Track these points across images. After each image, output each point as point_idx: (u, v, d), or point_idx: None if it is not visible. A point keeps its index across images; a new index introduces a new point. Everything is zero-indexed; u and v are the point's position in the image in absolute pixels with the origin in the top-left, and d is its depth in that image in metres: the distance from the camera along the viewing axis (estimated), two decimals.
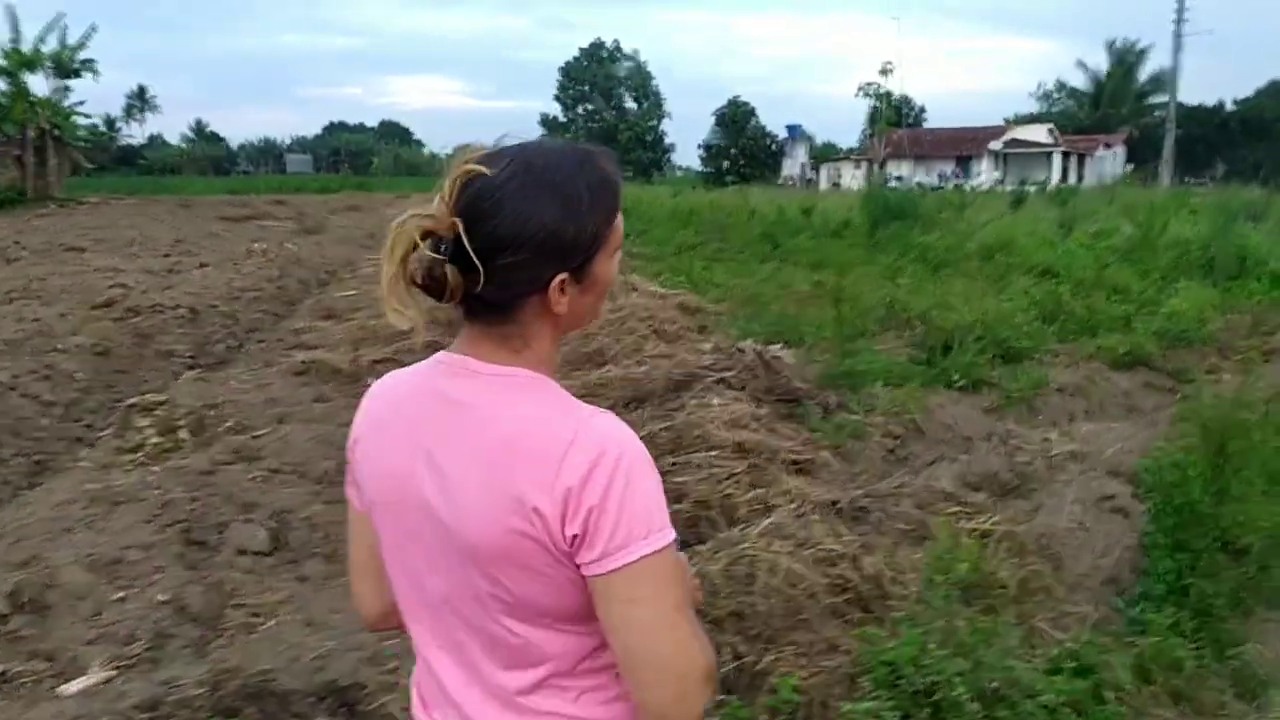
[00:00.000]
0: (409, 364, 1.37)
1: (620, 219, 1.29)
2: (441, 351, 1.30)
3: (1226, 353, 9.05)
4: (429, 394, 1.28)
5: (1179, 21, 46.18)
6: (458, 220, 1.17)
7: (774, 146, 69.29)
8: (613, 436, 1.19)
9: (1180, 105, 71.44)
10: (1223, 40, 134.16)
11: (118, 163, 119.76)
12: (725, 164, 66.68)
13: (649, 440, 5.07)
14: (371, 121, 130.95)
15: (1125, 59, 72.12)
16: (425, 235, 1.19)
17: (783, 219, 20.16)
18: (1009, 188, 45.81)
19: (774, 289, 11.99)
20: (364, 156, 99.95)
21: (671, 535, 1.20)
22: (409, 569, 1.33)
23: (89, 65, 34.43)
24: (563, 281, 1.21)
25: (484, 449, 1.20)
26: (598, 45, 78.25)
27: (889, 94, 56.23)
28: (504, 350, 1.25)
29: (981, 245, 14.57)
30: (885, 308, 9.91)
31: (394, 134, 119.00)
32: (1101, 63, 73.45)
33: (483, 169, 1.19)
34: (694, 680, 1.20)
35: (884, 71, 57.25)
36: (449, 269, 1.19)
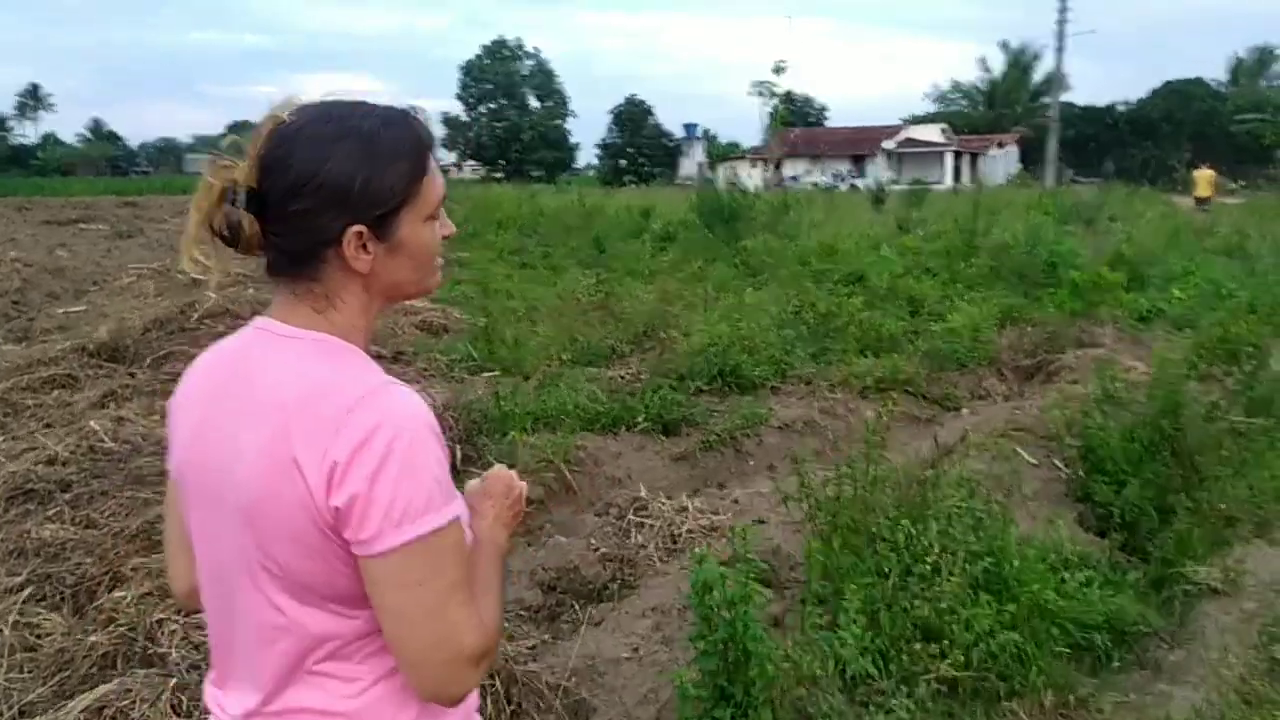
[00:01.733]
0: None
1: (435, 183, 1.26)
2: (256, 317, 1.28)
3: (1006, 373, 8.04)
4: (233, 358, 1.27)
5: (1061, 21, 46.13)
6: (253, 167, 1.18)
7: (671, 145, 68.30)
8: (394, 412, 1.16)
9: (1071, 106, 72.72)
10: (1115, 42, 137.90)
11: (8, 163, 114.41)
12: (623, 163, 65.50)
13: None
14: None
15: (1020, 60, 72.93)
16: (227, 185, 1.18)
17: (619, 221, 18.92)
18: (900, 187, 45.73)
19: (554, 301, 10.75)
20: None
21: (450, 514, 1.18)
22: (199, 541, 1.30)
23: None
24: (359, 235, 1.20)
25: (268, 410, 1.18)
26: (499, 43, 76.57)
27: (786, 93, 55.47)
28: (306, 310, 1.24)
29: (802, 250, 13.49)
30: (646, 326, 8.69)
31: None
32: (999, 64, 74.27)
33: (283, 116, 1.20)
34: (460, 664, 1.19)
35: (777, 70, 56.57)
36: (245, 217, 1.18)
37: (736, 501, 4.85)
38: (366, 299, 1.25)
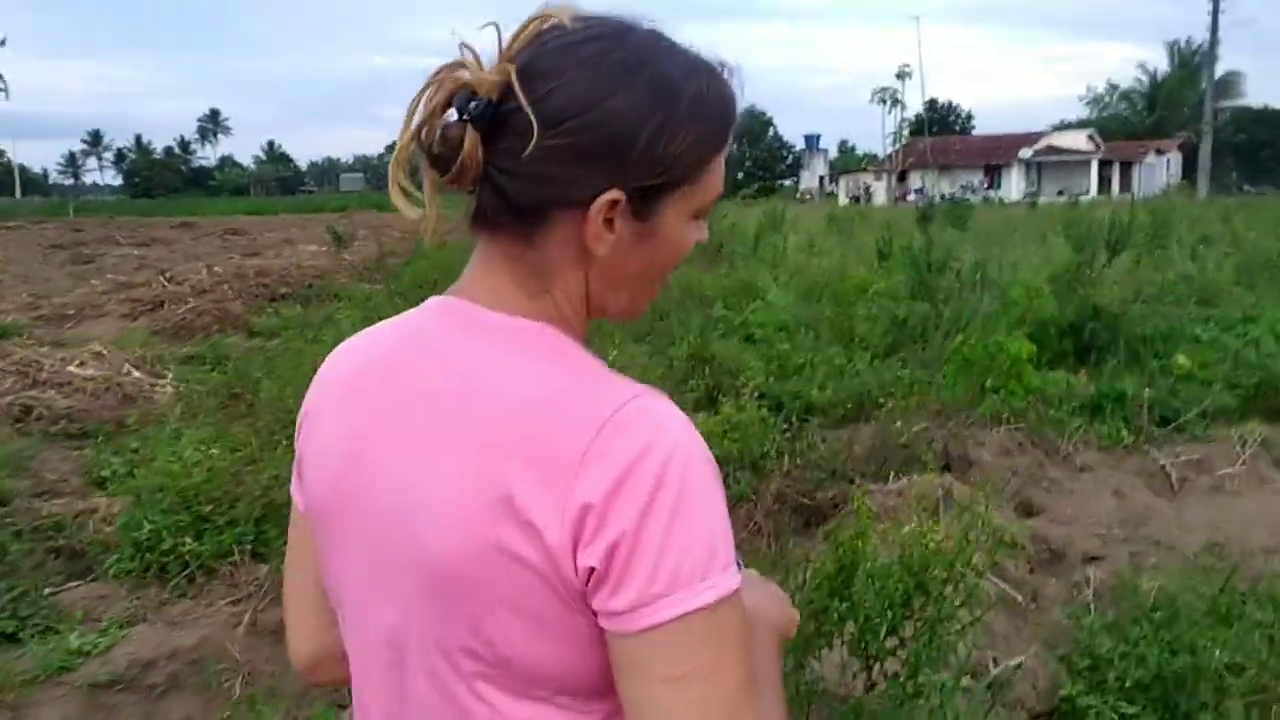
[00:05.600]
0: None
1: (720, 171, 0.91)
2: (434, 297, 0.93)
3: (770, 519, 4.91)
4: (408, 352, 0.91)
5: (1215, 11, 40.24)
6: (508, 67, 0.82)
7: (789, 158, 64.74)
8: (665, 433, 0.80)
9: (1247, 109, 65.07)
10: None
11: (189, 183, 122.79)
12: (740, 176, 62.40)
13: None
14: None
15: (1188, 60, 65.74)
16: (456, 90, 0.83)
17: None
18: (1044, 199, 40.98)
19: None
20: None
21: (736, 580, 0.80)
22: (355, 598, 0.93)
23: None
24: (614, 205, 0.84)
25: (472, 431, 0.82)
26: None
27: (930, 101, 51.25)
28: (515, 289, 0.88)
29: (727, 286, 10.41)
30: None
31: None
32: (1163, 65, 67.26)
33: (559, 17, 0.86)
34: None
35: (900, 75, 52.45)
36: (471, 136, 0.83)
37: None
38: (583, 294, 0.90)
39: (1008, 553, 3.95)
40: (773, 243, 14.22)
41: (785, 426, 5.84)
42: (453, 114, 0.85)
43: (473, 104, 0.82)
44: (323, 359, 0.99)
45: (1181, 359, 7.16)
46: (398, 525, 0.85)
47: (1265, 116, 63.61)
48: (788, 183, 64.15)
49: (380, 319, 1.01)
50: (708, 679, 0.78)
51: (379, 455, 0.87)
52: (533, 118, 0.80)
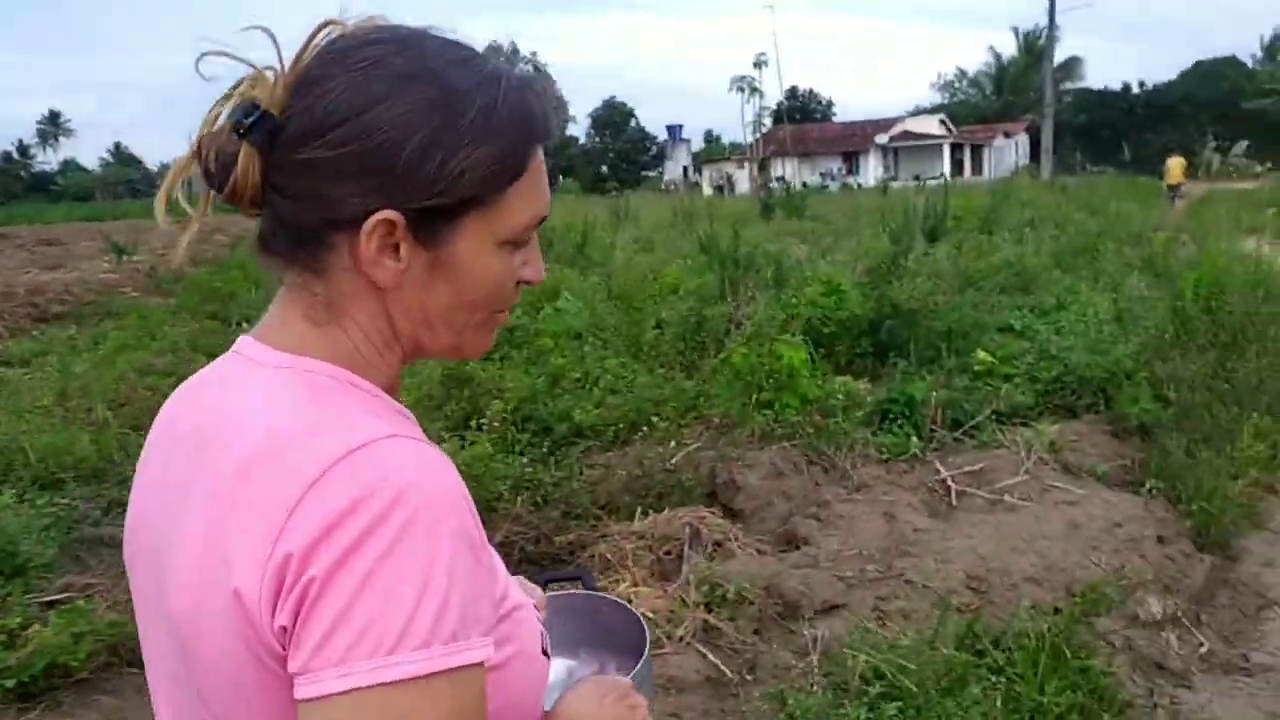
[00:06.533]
0: None
1: (532, 195, 0.83)
2: (242, 336, 0.89)
3: None
4: (207, 393, 0.87)
5: None
6: (287, 85, 0.78)
7: (653, 149, 64.47)
8: (399, 475, 0.72)
9: (1088, 90, 67.74)
10: (1146, 21, 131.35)
11: (30, 190, 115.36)
12: (604, 169, 61.78)
13: None
14: None
15: (1033, 46, 68.01)
16: (245, 103, 0.79)
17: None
18: (901, 184, 41.50)
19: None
20: None
21: (454, 658, 0.69)
22: (144, 638, 0.89)
23: None
24: (389, 226, 0.78)
25: (209, 484, 0.77)
26: (494, 49, 73.26)
27: (759, 89, 51.20)
28: (302, 322, 0.83)
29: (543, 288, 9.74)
30: None
31: None
32: (1011, 51, 69.44)
33: (343, 24, 0.82)
34: None
35: (758, 64, 52.43)
36: (247, 152, 0.78)
37: None
38: (388, 332, 0.84)
39: (733, 611, 3.42)
40: (603, 241, 13.62)
41: (543, 454, 5.25)
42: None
43: (246, 121, 0.77)
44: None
45: (982, 354, 6.85)
46: (156, 583, 0.81)
47: (1106, 98, 66.22)
48: (653, 174, 63.75)
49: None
50: None
51: (150, 509, 0.84)
52: (297, 129, 0.76)
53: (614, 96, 66.76)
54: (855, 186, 46.94)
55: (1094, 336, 6.89)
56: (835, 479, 5.05)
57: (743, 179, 57.30)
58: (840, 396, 5.31)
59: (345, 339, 0.82)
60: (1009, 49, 72.65)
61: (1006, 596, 3.73)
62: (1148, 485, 5.10)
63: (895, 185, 40.72)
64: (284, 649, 0.70)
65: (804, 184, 53.94)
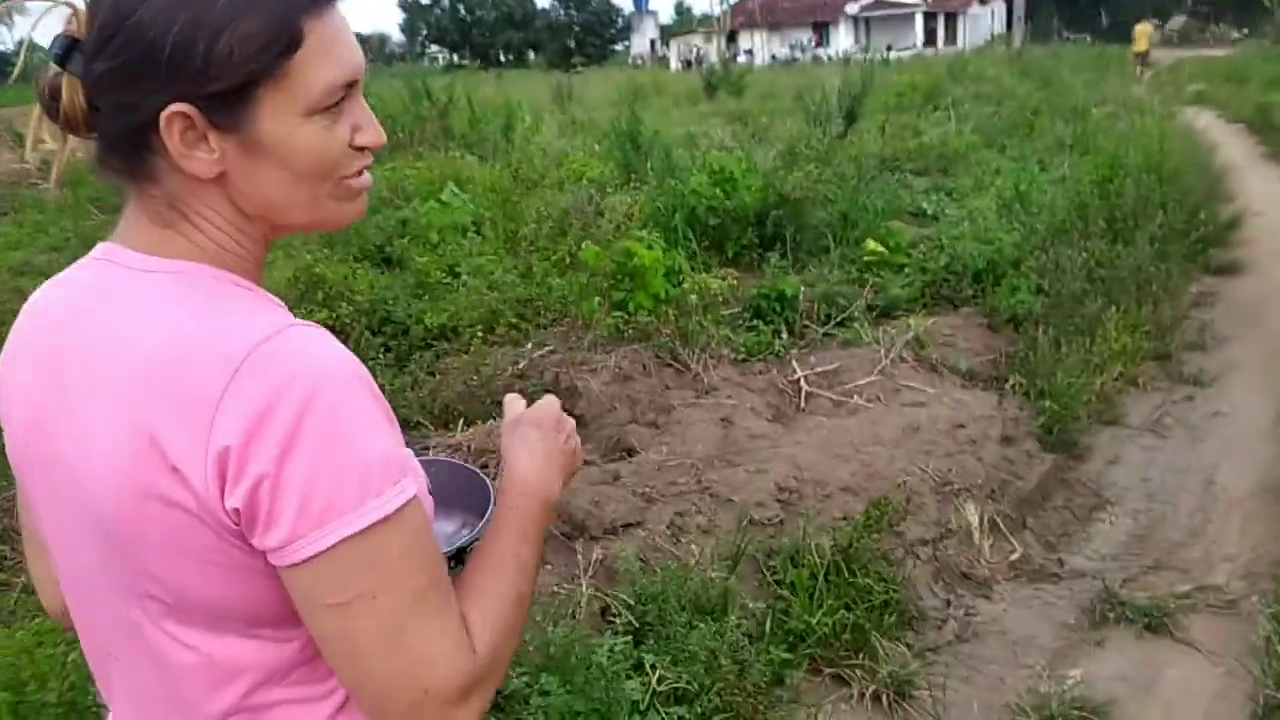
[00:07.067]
0: None
1: (325, 62, 0.83)
2: (101, 244, 0.92)
3: None
4: (78, 303, 0.89)
5: None
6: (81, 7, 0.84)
7: (619, 22, 62.37)
8: (305, 362, 0.79)
9: None
10: None
11: None
12: (570, 44, 59.86)
13: None
14: None
15: None
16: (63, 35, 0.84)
17: None
18: (869, 56, 40.29)
19: None
20: None
21: (401, 495, 0.81)
22: (56, 551, 0.95)
23: None
24: (183, 117, 0.81)
25: (119, 383, 0.81)
26: None
27: None
28: (152, 225, 0.87)
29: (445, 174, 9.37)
30: None
31: None
32: None
33: None
34: (434, 706, 0.81)
35: None
36: (65, 78, 0.84)
37: None
38: (239, 218, 0.87)
39: None
40: (527, 126, 13.12)
41: (392, 360, 5.09)
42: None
43: (62, 50, 0.82)
44: None
45: (872, 244, 6.64)
46: (70, 483, 0.84)
47: None
48: (619, 49, 61.82)
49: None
50: (371, 599, 0.79)
51: (50, 415, 0.86)
52: (91, 48, 0.80)
53: None
54: (827, 60, 45.66)
55: (981, 224, 6.67)
56: (687, 382, 4.90)
57: (712, 53, 55.71)
58: (696, 294, 5.11)
59: (199, 235, 0.86)
60: None
61: (816, 508, 3.62)
62: (1010, 382, 4.99)
63: (862, 58, 39.68)
64: (235, 523, 0.77)
65: (773, 57, 52.64)
